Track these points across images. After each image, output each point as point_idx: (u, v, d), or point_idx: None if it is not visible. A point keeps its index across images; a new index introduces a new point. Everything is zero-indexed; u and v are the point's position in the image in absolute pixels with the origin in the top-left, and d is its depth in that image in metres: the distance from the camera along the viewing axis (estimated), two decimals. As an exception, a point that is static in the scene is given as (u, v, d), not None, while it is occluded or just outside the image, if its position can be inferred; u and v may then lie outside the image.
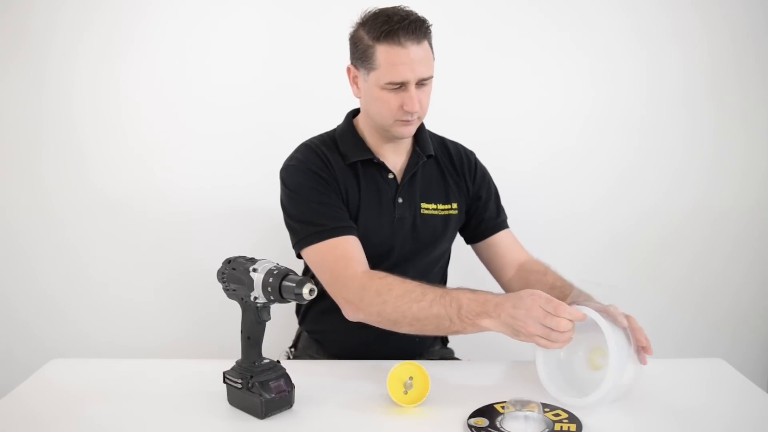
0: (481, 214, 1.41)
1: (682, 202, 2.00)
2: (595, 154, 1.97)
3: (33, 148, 1.90)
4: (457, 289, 1.11)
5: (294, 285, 0.92)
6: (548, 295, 1.00)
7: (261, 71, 1.90)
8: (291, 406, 1.01)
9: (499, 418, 0.96)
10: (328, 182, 1.28)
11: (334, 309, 1.30)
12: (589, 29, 1.90)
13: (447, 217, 1.37)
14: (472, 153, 1.46)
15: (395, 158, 1.35)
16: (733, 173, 1.99)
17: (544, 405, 0.99)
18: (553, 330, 0.97)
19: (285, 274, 0.94)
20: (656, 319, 2.01)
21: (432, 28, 1.23)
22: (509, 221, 1.46)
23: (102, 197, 1.92)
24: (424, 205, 1.35)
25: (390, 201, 1.32)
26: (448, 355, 1.50)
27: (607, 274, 1.97)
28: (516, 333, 1.02)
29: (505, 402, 0.99)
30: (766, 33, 1.92)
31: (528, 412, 0.95)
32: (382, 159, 1.33)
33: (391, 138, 1.30)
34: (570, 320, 0.97)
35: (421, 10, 1.22)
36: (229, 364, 1.03)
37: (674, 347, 2.02)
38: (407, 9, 1.20)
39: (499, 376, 1.18)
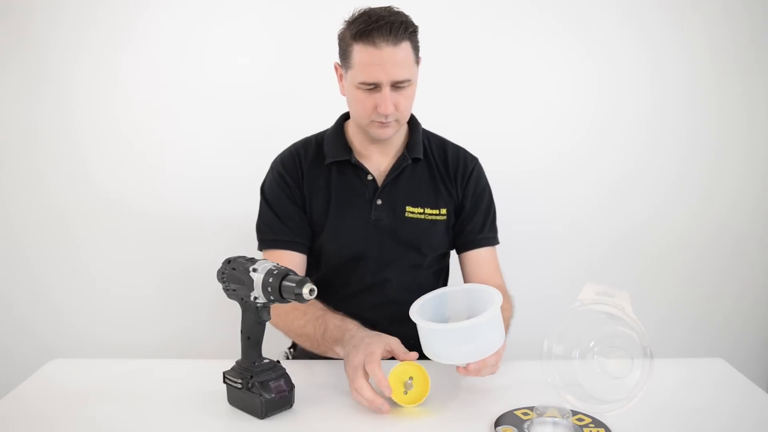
0: (463, 225, 1.37)
1: (686, 205, 2.00)
2: (598, 157, 1.97)
3: (32, 148, 1.90)
4: (335, 314, 1.16)
5: (294, 285, 0.92)
6: (377, 354, 1.00)
7: (261, 73, 1.90)
8: (291, 406, 1.01)
9: (526, 425, 0.95)
10: (290, 187, 1.31)
11: None
12: (592, 33, 1.91)
13: (434, 222, 1.34)
14: (473, 160, 1.41)
15: (380, 159, 1.34)
16: (736, 176, 1.99)
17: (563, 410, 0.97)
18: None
19: (285, 274, 0.94)
20: (661, 320, 2.02)
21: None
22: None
23: (101, 197, 1.92)
24: (409, 208, 1.32)
25: (366, 203, 1.31)
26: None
27: (612, 276, 1.98)
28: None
29: (524, 408, 0.99)
30: (768, 35, 1.93)
31: (555, 419, 0.93)
32: (363, 160, 1.33)
33: (374, 139, 1.30)
34: (371, 390, 0.98)
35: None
36: (229, 364, 1.03)
37: (678, 348, 2.03)
38: (395, 10, 1.19)
39: (499, 376, 1.17)
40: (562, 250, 2.01)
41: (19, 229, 1.93)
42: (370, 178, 1.32)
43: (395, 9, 1.20)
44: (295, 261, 1.30)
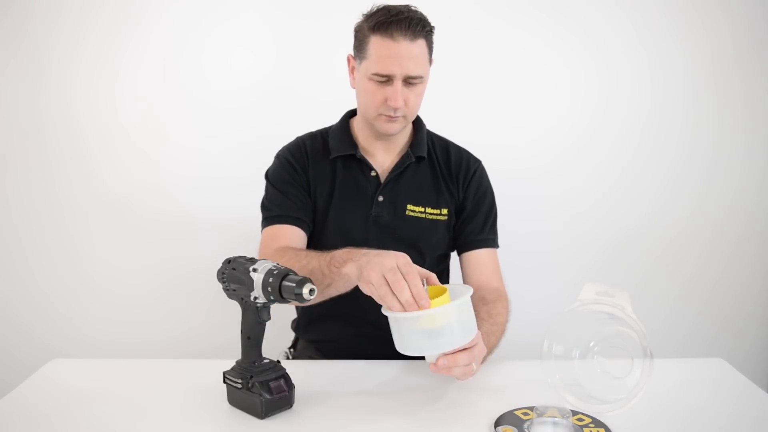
0: (463, 226, 1.37)
1: (685, 205, 2.00)
2: (598, 157, 1.98)
3: (30, 148, 1.90)
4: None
5: (294, 285, 0.92)
6: (410, 260, 0.94)
7: (264, 72, 1.90)
8: (291, 406, 1.01)
9: (526, 425, 0.95)
10: (297, 172, 1.32)
11: (327, 317, 1.30)
12: (592, 32, 1.91)
13: (434, 222, 1.34)
14: (476, 162, 1.41)
15: (384, 156, 1.35)
16: (735, 175, 1.99)
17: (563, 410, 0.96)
18: (390, 287, 0.91)
19: (285, 274, 0.94)
20: (661, 320, 2.02)
21: (439, 33, 1.23)
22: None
23: (101, 197, 1.92)
24: (410, 206, 1.33)
25: (368, 198, 1.32)
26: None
27: (612, 276, 1.98)
28: (360, 275, 0.97)
29: (524, 408, 0.99)
30: None
31: (555, 419, 0.92)
32: (368, 156, 1.33)
33: (380, 135, 1.30)
34: (411, 294, 0.90)
35: (430, 12, 1.22)
36: (229, 364, 1.03)
37: (678, 348, 2.03)
38: (413, 8, 1.21)
39: (499, 376, 1.18)
40: (562, 249, 2.01)
41: (19, 228, 1.93)
42: (373, 174, 1.33)
43: (413, 8, 1.22)
44: (297, 236, 1.28)
